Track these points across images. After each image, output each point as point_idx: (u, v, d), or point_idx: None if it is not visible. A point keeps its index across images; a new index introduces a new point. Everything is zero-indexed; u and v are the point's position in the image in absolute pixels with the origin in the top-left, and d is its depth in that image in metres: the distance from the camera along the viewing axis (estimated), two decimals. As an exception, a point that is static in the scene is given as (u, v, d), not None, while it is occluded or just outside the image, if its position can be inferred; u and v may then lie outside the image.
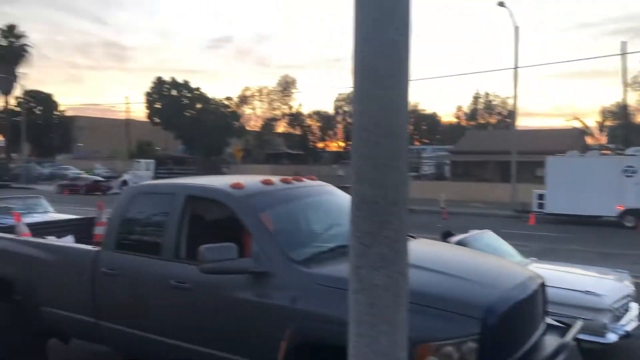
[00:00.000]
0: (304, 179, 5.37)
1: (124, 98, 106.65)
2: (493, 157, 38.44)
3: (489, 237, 7.67)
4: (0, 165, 49.36)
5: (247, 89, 70.52)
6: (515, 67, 28.13)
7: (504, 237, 8.14)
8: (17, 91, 61.14)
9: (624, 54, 31.54)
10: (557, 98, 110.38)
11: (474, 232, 7.68)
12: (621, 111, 38.09)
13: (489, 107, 77.98)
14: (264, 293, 4.00)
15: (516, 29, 27.82)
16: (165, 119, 60.05)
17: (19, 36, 62.92)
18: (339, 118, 74.65)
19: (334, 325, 3.48)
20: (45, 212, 13.38)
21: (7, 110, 64.77)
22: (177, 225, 4.65)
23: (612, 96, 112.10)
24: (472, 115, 78.64)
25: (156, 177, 35.57)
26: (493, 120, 76.38)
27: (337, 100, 74.45)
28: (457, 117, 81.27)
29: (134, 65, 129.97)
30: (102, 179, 40.31)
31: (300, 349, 3.75)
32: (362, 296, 2.10)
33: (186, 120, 59.83)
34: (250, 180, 5.05)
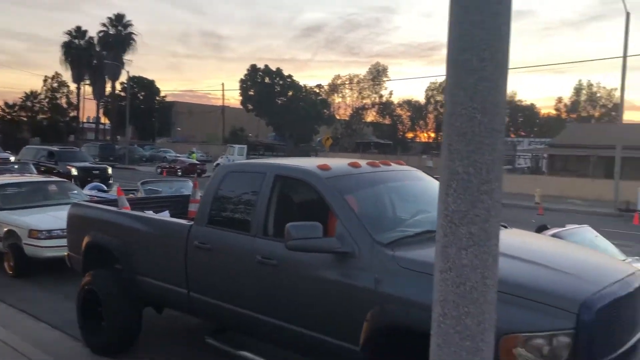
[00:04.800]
0: (392, 163, 5.30)
1: (220, 85, 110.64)
2: (596, 151, 36.19)
3: (588, 232, 7.23)
4: (106, 146, 52.76)
5: (337, 77, 70.87)
6: (624, 56, 26.18)
7: (604, 235, 7.64)
8: (123, 77, 64.97)
9: None
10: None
11: (571, 227, 7.27)
12: None
13: (593, 99, 73.41)
14: (348, 274, 4.00)
15: (627, 15, 25.88)
16: (258, 106, 61.68)
17: (126, 25, 66.88)
18: (430, 108, 73.21)
19: (417, 310, 3.42)
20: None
21: (113, 95, 69.22)
22: (265, 203, 4.75)
23: None
24: (574, 107, 74.40)
25: (247, 162, 36.59)
26: (597, 113, 71.83)
27: (429, 89, 73.03)
28: (557, 110, 77.23)
29: (230, 54, 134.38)
30: (198, 162, 42.12)
31: (382, 331, 3.72)
32: (449, 276, 2.03)
33: (278, 108, 61.13)
34: (338, 162, 5.06)
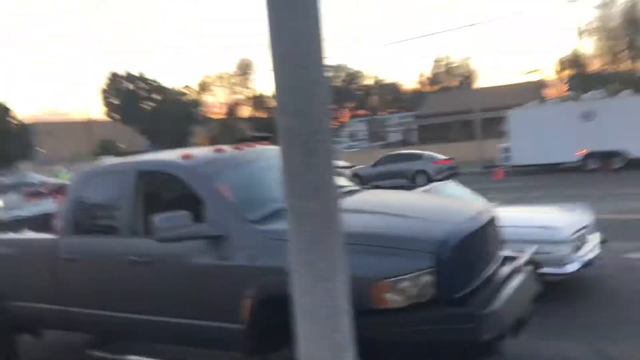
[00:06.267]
0: (257, 145, 5.37)
1: (82, 99, 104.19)
2: (457, 117, 38.89)
3: (451, 186, 7.80)
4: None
5: (207, 76, 69.70)
6: (472, 24, 28.27)
7: (474, 192, 8.21)
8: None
9: None
10: (516, 54, 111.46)
11: (435, 184, 7.81)
12: (576, 60, 38.78)
13: (450, 69, 78.58)
14: (223, 255, 4.02)
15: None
16: (125, 115, 59.03)
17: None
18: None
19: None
20: None
21: (-40, 123, 62.92)
22: (131, 202, 4.62)
23: (568, 46, 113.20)
24: (435, 79, 79.17)
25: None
26: (455, 82, 76.98)
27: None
28: (420, 83, 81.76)
29: (87, 66, 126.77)
30: (69, 182, 39.60)
31: (263, 304, 3.79)
32: (297, 226, 2.13)
33: (146, 114, 58.91)
34: (201, 150, 5.05)
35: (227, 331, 3.99)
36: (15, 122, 71.56)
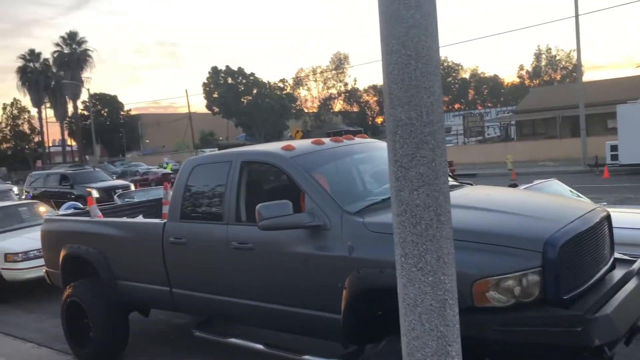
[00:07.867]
0: (355, 137, 5.39)
1: (184, 92, 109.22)
2: (560, 112, 36.86)
3: (555, 185, 7.42)
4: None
5: (301, 70, 70.80)
6: (576, 15, 26.69)
7: (577, 191, 7.79)
8: (84, 96, 63.92)
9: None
10: (626, 46, 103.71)
11: (538, 182, 7.46)
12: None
13: (553, 62, 74.60)
14: (322, 246, 4.08)
15: (574, -26, 26.30)
16: (224, 108, 61.28)
17: (80, 42, 65.76)
18: (396, 90, 73.23)
19: (391, 268, 3.51)
20: None
21: (76, 115, 68.11)
22: (235, 190, 4.80)
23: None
24: (536, 73, 75.49)
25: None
26: (557, 76, 73.02)
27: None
28: (520, 77, 78.30)
29: (189, 61, 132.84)
30: (171, 172, 41.76)
31: (361, 295, 3.81)
32: (405, 217, 2.11)
33: (244, 107, 60.81)
34: (302, 142, 5.14)
35: (325, 320, 4.05)
36: (123, 114, 76.52)
